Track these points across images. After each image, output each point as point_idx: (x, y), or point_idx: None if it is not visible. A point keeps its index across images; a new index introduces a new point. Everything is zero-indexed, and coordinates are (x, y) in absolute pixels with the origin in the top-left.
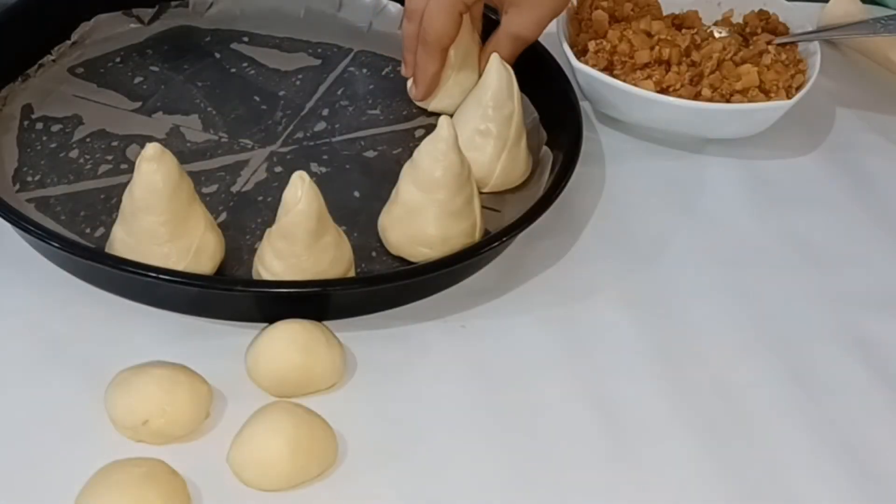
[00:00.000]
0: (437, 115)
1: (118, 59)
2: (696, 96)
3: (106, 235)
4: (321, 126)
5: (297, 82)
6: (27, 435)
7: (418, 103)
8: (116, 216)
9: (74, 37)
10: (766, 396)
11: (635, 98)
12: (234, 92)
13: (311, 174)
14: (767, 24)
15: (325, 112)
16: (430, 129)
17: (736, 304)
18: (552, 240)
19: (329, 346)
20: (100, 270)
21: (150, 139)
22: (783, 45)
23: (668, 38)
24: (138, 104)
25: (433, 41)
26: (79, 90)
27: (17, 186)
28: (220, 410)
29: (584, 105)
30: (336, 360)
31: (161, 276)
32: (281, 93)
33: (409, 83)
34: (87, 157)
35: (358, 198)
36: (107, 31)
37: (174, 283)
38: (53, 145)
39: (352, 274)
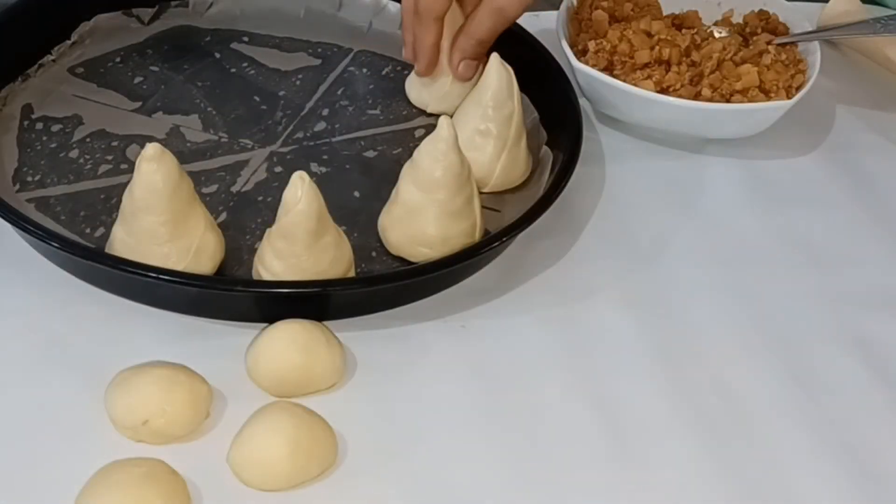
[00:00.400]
0: (437, 115)
1: (118, 59)
2: (696, 96)
3: (106, 235)
4: (321, 126)
5: (297, 82)
6: (27, 435)
7: (415, 102)
8: (116, 216)
9: (74, 37)
10: (766, 396)
11: (635, 98)
12: (234, 92)
13: (311, 174)
14: (767, 24)
15: (325, 112)
16: (430, 129)
17: (736, 304)
18: (552, 240)
19: (329, 346)
20: (100, 270)
21: (150, 139)
22: (783, 45)
23: (668, 38)
24: (138, 104)
25: (425, 11)
26: (79, 90)
27: (17, 186)
28: (220, 410)
29: (584, 105)
30: (336, 360)
31: (161, 276)
32: (281, 93)
33: (413, 73)
34: (87, 157)
35: (358, 198)
36: (107, 31)
37: (174, 283)
38: (53, 145)
39: (352, 274)
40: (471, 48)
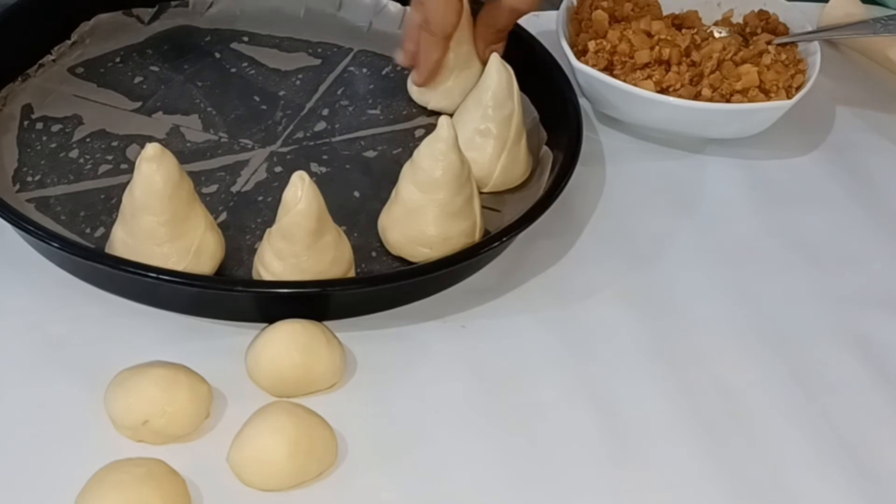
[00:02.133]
0: (437, 114)
1: (118, 59)
2: (696, 96)
3: (106, 235)
4: (321, 126)
5: (297, 82)
6: (27, 435)
7: (416, 99)
8: (116, 216)
9: (74, 37)
10: (766, 396)
11: (635, 98)
12: (234, 92)
13: (311, 174)
14: (767, 24)
15: (325, 112)
16: (430, 129)
17: (736, 304)
18: (552, 240)
19: (329, 346)
20: (100, 270)
21: (150, 139)
22: (783, 45)
23: (668, 38)
24: (138, 104)
25: (437, 30)
26: (79, 90)
27: (17, 186)
28: (220, 410)
29: (584, 105)
30: (336, 360)
31: (161, 276)
32: (281, 93)
33: (411, 77)
34: (87, 157)
35: (358, 198)
36: (107, 31)
37: (174, 283)
38: (53, 145)
39: (352, 274)
40: (493, 35)
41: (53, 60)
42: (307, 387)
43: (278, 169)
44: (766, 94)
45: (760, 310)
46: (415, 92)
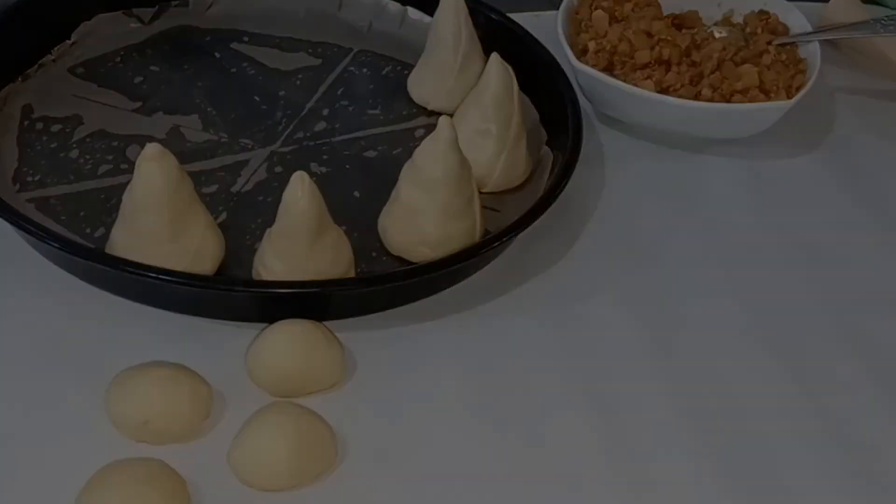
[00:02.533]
0: (437, 114)
1: (118, 59)
2: (696, 96)
3: (106, 235)
4: (321, 126)
5: (297, 82)
6: (27, 435)
7: (416, 99)
8: (116, 216)
9: (74, 37)
10: (766, 396)
11: (635, 98)
12: (234, 92)
13: (311, 174)
14: (767, 24)
15: (325, 112)
16: (430, 129)
17: (736, 304)
18: (552, 240)
19: (329, 346)
20: (100, 270)
21: (150, 139)
22: (783, 45)
23: (668, 38)
24: (138, 104)
25: None
26: (79, 90)
27: (17, 186)
28: (220, 410)
29: (585, 105)
30: (336, 360)
31: (161, 276)
32: (281, 93)
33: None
34: (87, 157)
35: (358, 198)
36: (107, 31)
37: (174, 283)
38: (53, 145)
39: (352, 274)
40: None
41: (53, 60)
42: (307, 387)
43: (278, 169)
44: (766, 94)
45: (760, 310)
46: (415, 92)
